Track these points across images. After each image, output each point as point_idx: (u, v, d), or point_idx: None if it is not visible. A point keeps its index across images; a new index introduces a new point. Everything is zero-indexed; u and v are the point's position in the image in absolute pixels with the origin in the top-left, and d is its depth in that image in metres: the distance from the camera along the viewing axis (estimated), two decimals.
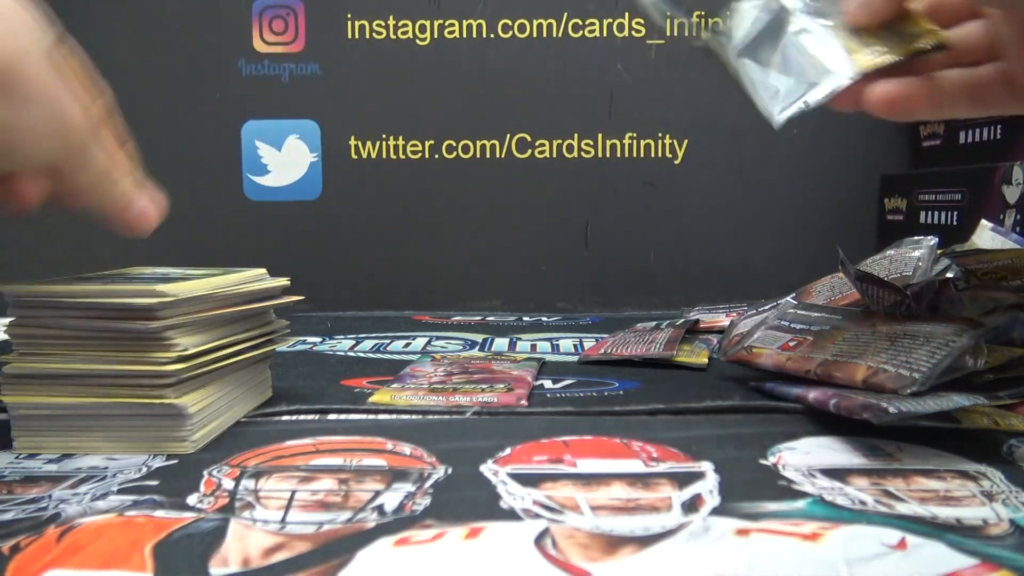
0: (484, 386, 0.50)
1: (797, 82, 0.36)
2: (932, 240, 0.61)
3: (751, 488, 0.34)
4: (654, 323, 0.73)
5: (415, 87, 0.92)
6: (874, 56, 0.35)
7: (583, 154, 0.94)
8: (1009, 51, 0.33)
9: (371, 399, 0.48)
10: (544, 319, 0.88)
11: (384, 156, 0.94)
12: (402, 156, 0.94)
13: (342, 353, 0.66)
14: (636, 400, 0.48)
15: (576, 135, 0.94)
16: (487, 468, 0.37)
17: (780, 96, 0.36)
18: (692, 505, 0.32)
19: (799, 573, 0.27)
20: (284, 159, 0.95)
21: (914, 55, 0.35)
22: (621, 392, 0.51)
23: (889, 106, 0.34)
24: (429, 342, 0.71)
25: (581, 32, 0.92)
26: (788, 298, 0.62)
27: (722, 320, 0.74)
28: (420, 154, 0.94)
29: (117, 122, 0.35)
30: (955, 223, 0.76)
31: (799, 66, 0.37)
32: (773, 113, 0.36)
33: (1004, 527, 0.30)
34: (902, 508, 0.32)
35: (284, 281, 0.48)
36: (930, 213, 0.81)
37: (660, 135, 0.93)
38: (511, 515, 0.31)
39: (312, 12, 0.93)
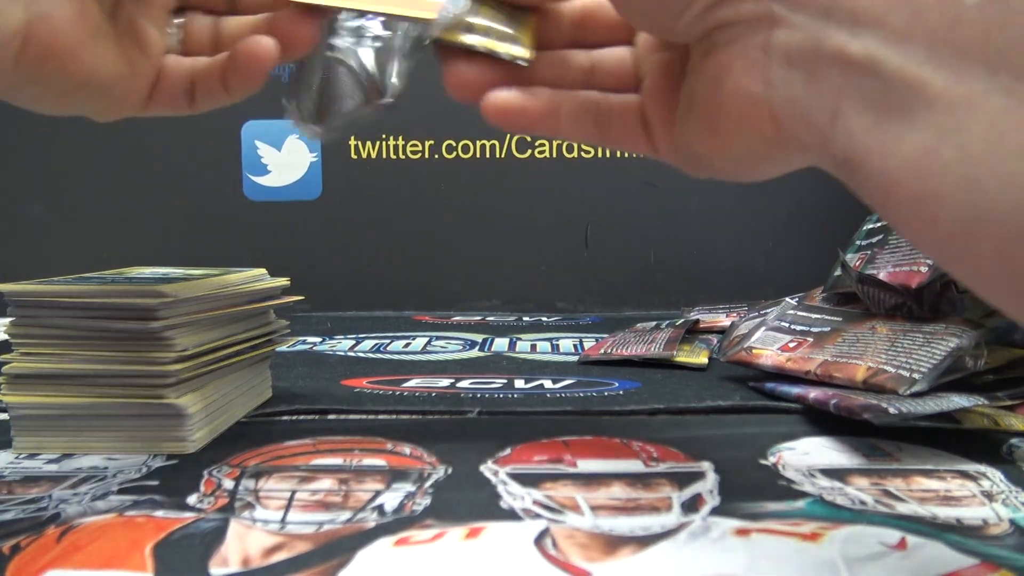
0: None
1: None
2: None
3: (751, 488, 0.34)
4: (654, 323, 0.73)
5: (415, 87, 0.92)
6: (474, 37, 0.31)
7: (583, 154, 0.94)
8: (650, 87, 0.31)
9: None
10: (544, 319, 0.88)
11: (384, 156, 0.94)
12: (402, 156, 0.94)
13: (342, 353, 0.66)
14: (636, 400, 0.48)
15: None
16: (487, 468, 0.37)
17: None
18: (692, 505, 0.32)
19: (799, 573, 0.27)
20: (284, 159, 0.95)
21: (509, 56, 0.31)
22: (621, 392, 0.51)
23: (505, 118, 0.31)
24: (429, 342, 0.71)
25: None
26: (788, 299, 0.62)
27: (722, 320, 0.75)
28: (420, 154, 0.94)
29: None
30: None
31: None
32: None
33: (1004, 527, 0.30)
34: (902, 508, 0.32)
35: (284, 281, 0.48)
36: None
37: None
38: (511, 515, 0.31)
39: None
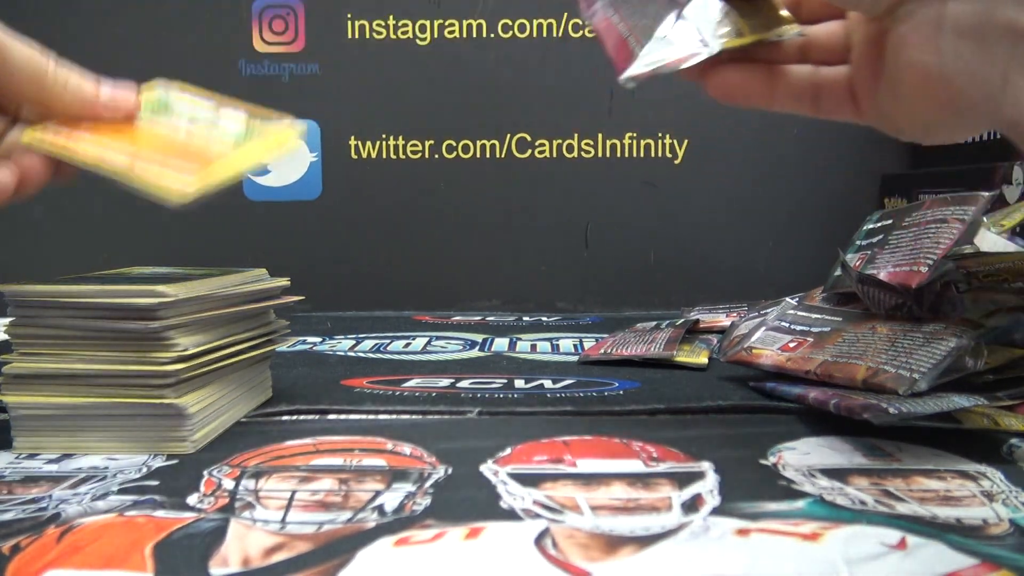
0: None
1: (658, 41, 0.33)
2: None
3: (751, 488, 0.34)
4: (654, 323, 0.73)
5: (415, 87, 0.92)
6: (733, 35, 0.33)
7: (583, 154, 0.94)
8: (857, 57, 0.33)
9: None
10: (544, 319, 0.88)
11: (384, 156, 0.94)
12: (402, 156, 0.94)
13: (342, 353, 0.66)
14: (636, 400, 0.48)
15: (576, 135, 0.94)
16: (487, 468, 0.37)
17: (637, 53, 0.33)
18: (692, 505, 0.32)
19: (799, 573, 0.27)
20: (284, 159, 0.94)
21: (769, 41, 0.33)
22: (621, 392, 0.51)
23: (726, 92, 0.34)
24: (429, 342, 0.71)
25: (581, 32, 0.92)
26: (788, 299, 0.62)
27: (722, 320, 0.74)
28: (420, 154, 0.94)
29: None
30: None
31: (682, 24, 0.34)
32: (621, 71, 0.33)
33: (1004, 527, 0.30)
34: (902, 508, 0.32)
35: (284, 281, 0.48)
36: None
37: (660, 135, 0.93)
38: (511, 515, 0.31)
39: (312, 12, 0.93)
